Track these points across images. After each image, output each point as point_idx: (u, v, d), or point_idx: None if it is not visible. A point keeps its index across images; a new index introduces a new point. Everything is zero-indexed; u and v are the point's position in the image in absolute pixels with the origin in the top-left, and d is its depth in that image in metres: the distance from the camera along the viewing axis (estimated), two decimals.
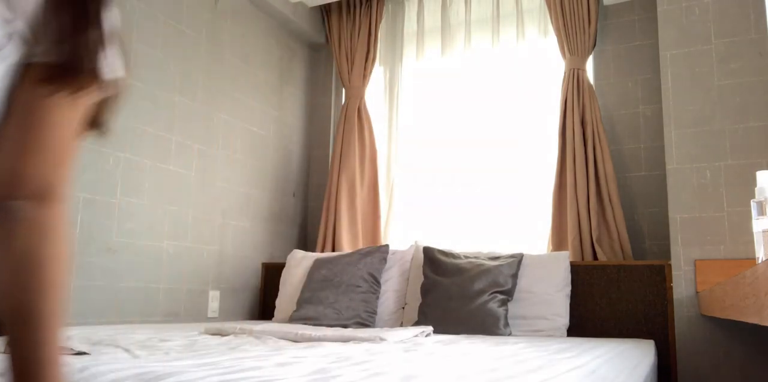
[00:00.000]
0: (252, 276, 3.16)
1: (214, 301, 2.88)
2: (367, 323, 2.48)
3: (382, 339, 1.72)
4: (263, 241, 3.25)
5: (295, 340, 1.81)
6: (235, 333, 1.92)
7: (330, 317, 2.49)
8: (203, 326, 2.15)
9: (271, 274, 3.19)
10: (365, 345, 1.56)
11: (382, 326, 2.62)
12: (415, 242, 2.88)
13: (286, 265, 3.02)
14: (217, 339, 1.76)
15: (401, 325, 2.65)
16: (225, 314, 2.96)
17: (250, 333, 1.91)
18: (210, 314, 2.85)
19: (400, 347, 1.57)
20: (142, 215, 2.52)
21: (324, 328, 2.05)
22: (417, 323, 2.50)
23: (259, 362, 1.13)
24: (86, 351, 1.23)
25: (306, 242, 3.58)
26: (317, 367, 1.08)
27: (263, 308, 3.18)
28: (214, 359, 1.18)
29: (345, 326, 2.44)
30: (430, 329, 2.01)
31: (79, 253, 2.25)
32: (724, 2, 2.37)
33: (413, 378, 0.95)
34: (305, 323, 2.49)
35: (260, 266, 3.22)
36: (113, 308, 2.37)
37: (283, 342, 1.73)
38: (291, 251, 3.46)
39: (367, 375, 0.98)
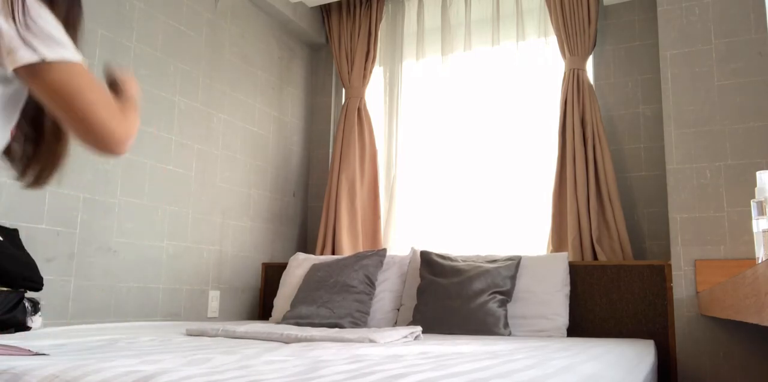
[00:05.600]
0: (252, 276, 3.16)
1: (214, 301, 2.88)
2: (359, 322, 2.48)
3: (371, 341, 1.68)
4: (263, 241, 3.25)
5: (281, 341, 1.77)
6: (217, 334, 1.87)
7: (322, 316, 2.49)
8: (193, 325, 2.14)
9: (272, 274, 3.19)
10: (353, 346, 1.54)
11: (375, 326, 2.62)
12: (412, 248, 2.88)
13: (288, 266, 3.03)
14: (195, 340, 1.70)
15: (395, 325, 2.65)
16: (225, 314, 2.96)
17: (233, 334, 1.86)
18: (210, 314, 2.85)
19: (389, 347, 1.55)
20: (142, 215, 2.52)
21: (310, 328, 2.00)
22: (412, 323, 2.50)
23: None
24: (46, 352, 1.21)
25: (306, 243, 3.59)
26: (296, 370, 1.06)
27: (263, 308, 3.18)
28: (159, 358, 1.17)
29: (337, 325, 2.43)
30: (419, 329, 1.99)
31: (79, 253, 2.25)
32: (724, 2, 2.37)
33: (400, 378, 0.94)
34: (298, 322, 2.48)
35: (260, 266, 3.22)
36: (113, 308, 2.37)
37: (253, 344, 1.65)
38: (291, 251, 3.47)
39: (353, 376, 0.97)
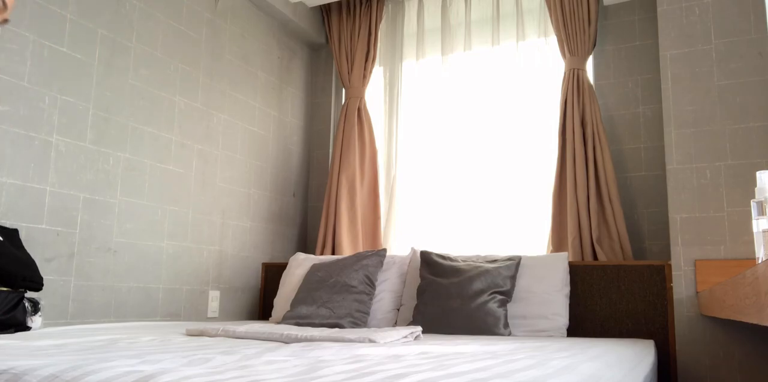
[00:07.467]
0: (252, 276, 3.16)
1: (214, 301, 2.88)
2: (359, 322, 2.48)
3: (371, 341, 1.68)
4: (263, 241, 3.25)
5: (281, 341, 1.77)
6: (217, 334, 1.87)
7: (322, 316, 2.49)
8: (193, 325, 2.14)
9: (272, 274, 3.19)
10: (353, 346, 1.54)
11: (375, 326, 2.62)
12: (412, 248, 2.88)
13: (288, 266, 3.03)
14: (195, 340, 1.69)
15: (395, 325, 2.65)
16: (225, 314, 2.96)
17: (233, 334, 1.85)
18: (210, 314, 2.85)
19: (389, 347, 1.55)
20: (142, 215, 2.52)
21: (311, 328, 2.00)
22: (412, 323, 2.50)
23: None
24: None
25: (306, 243, 3.59)
26: (296, 370, 1.07)
27: (263, 308, 3.18)
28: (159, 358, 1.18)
29: (337, 325, 2.43)
30: (419, 329, 1.98)
31: (79, 253, 2.25)
32: (724, 2, 2.37)
33: (400, 378, 0.94)
34: (298, 322, 2.48)
35: (260, 266, 3.22)
36: (113, 308, 2.37)
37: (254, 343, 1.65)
38: (291, 251, 3.47)
39: (353, 376, 0.97)
